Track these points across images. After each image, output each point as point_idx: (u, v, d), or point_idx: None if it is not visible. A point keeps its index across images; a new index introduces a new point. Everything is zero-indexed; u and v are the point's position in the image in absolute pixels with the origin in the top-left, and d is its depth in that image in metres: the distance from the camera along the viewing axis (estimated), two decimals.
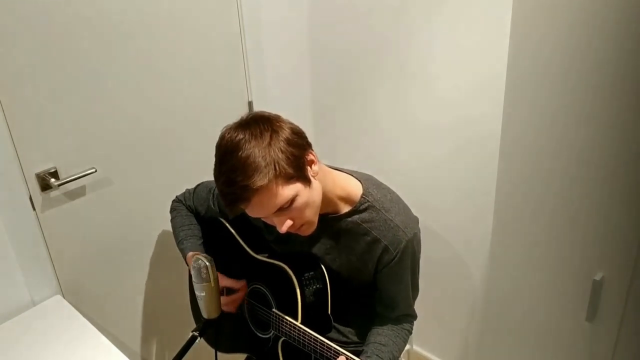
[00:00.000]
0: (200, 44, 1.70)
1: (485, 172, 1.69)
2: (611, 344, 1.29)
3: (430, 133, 1.79)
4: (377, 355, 1.26)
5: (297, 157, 1.10)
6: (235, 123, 1.12)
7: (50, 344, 1.37)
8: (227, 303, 1.36)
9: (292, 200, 1.09)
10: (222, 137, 1.11)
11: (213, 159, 1.14)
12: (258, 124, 1.09)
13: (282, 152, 1.07)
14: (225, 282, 1.38)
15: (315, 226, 1.19)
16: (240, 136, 1.07)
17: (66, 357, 1.33)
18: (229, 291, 1.39)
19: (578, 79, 1.11)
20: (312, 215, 1.16)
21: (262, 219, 1.17)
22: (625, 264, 1.20)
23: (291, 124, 1.14)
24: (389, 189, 1.29)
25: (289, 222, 1.12)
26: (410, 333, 1.36)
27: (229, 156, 1.07)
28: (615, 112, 1.09)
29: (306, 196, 1.12)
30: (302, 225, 1.16)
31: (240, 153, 1.05)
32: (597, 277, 1.24)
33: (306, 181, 1.12)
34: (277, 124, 1.11)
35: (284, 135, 1.09)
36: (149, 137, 1.65)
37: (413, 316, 1.38)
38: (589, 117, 1.13)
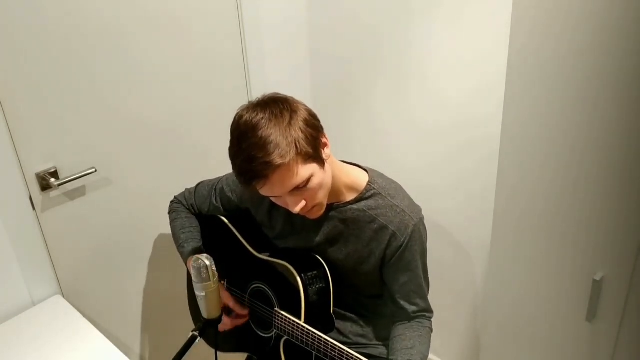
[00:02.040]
0: (200, 44, 1.70)
1: (485, 172, 1.69)
2: (611, 344, 1.29)
3: (430, 133, 1.79)
4: (408, 359, 1.24)
5: (315, 137, 1.11)
6: (252, 103, 1.14)
7: (50, 343, 1.37)
8: (225, 323, 1.36)
9: (308, 180, 1.10)
10: (240, 117, 1.12)
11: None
12: (277, 104, 1.11)
13: (301, 131, 1.09)
14: (230, 302, 1.38)
15: (324, 209, 1.21)
16: (261, 115, 1.09)
17: (66, 357, 1.33)
18: (230, 311, 1.39)
19: (578, 79, 1.11)
20: (323, 197, 1.17)
21: (273, 199, 1.18)
22: (625, 264, 1.20)
23: (305, 105, 1.15)
24: (392, 179, 1.31)
25: (302, 203, 1.13)
26: (432, 330, 1.34)
27: (250, 134, 1.07)
28: (615, 112, 1.09)
29: (321, 177, 1.13)
30: (312, 207, 1.17)
31: (261, 131, 1.06)
32: (597, 277, 1.24)
33: (321, 162, 1.13)
34: (295, 104, 1.12)
35: (302, 116, 1.11)
36: (149, 137, 1.65)
37: (429, 311, 1.35)
38: (589, 117, 1.13)
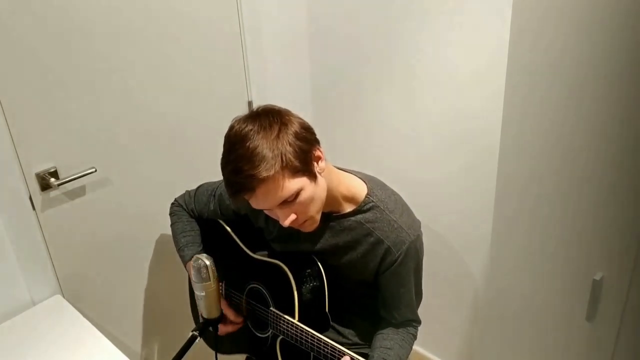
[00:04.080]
0: (200, 44, 1.70)
1: (484, 172, 1.69)
2: (611, 344, 1.30)
3: (430, 133, 1.79)
4: (383, 359, 1.25)
5: (305, 151, 1.10)
6: (246, 115, 1.13)
7: (50, 343, 1.37)
8: (221, 332, 1.36)
9: (297, 194, 1.10)
10: (231, 128, 1.12)
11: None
12: (268, 116, 1.10)
13: (290, 145, 1.08)
14: (226, 310, 1.38)
15: (317, 223, 1.20)
16: (250, 127, 1.08)
17: (66, 357, 1.33)
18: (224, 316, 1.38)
19: (578, 77, 1.11)
20: (315, 211, 1.16)
21: (266, 212, 1.17)
22: (625, 264, 1.20)
23: (300, 118, 1.14)
24: (392, 190, 1.30)
25: (292, 217, 1.13)
26: (415, 338, 1.35)
27: (237, 146, 1.07)
28: (615, 111, 1.09)
29: (311, 191, 1.12)
30: (304, 221, 1.16)
31: (248, 143, 1.06)
32: (597, 277, 1.24)
33: (312, 176, 1.12)
34: (287, 117, 1.11)
35: (292, 129, 1.10)
36: (149, 137, 1.65)
37: (417, 321, 1.36)
38: (588, 116, 1.13)
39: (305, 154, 1.10)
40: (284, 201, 1.10)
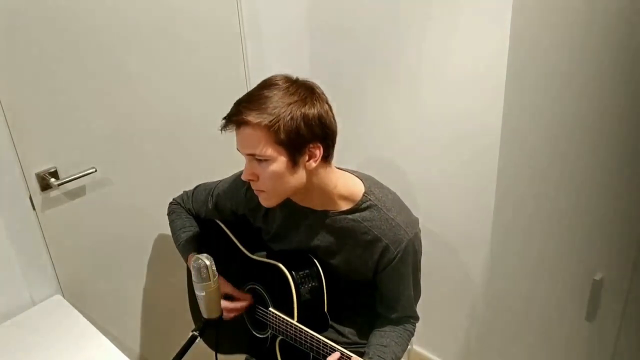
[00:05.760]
0: (199, 44, 1.70)
1: (485, 173, 1.69)
2: (611, 344, 1.30)
3: (431, 132, 1.79)
4: (379, 356, 1.25)
5: (300, 135, 1.10)
6: (291, 76, 1.17)
7: (50, 344, 1.37)
8: (227, 309, 1.36)
9: (266, 159, 1.11)
10: (275, 75, 1.16)
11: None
12: (302, 87, 1.14)
13: (292, 118, 1.09)
14: (230, 289, 1.38)
15: (273, 203, 1.21)
16: (281, 83, 1.12)
17: (66, 357, 1.33)
18: (229, 297, 1.38)
19: (578, 78, 1.11)
20: (272, 188, 1.17)
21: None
22: (625, 264, 1.20)
23: (327, 114, 1.15)
24: (389, 189, 1.30)
25: (252, 177, 1.16)
26: (412, 334, 1.36)
27: (259, 87, 1.14)
28: (615, 112, 1.09)
29: (280, 170, 1.13)
30: (260, 191, 1.19)
31: (266, 91, 1.11)
32: (597, 277, 1.24)
33: (292, 161, 1.13)
34: (314, 102, 1.13)
35: (308, 111, 1.11)
36: (148, 137, 1.65)
37: (415, 317, 1.37)
38: (588, 117, 1.13)
39: (297, 137, 1.10)
40: (253, 155, 1.12)
